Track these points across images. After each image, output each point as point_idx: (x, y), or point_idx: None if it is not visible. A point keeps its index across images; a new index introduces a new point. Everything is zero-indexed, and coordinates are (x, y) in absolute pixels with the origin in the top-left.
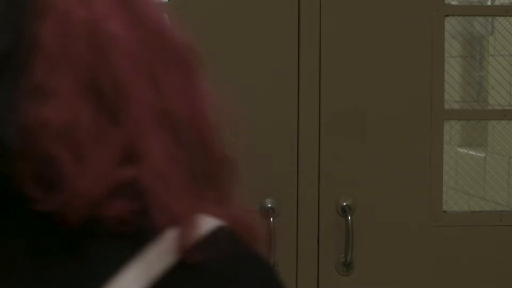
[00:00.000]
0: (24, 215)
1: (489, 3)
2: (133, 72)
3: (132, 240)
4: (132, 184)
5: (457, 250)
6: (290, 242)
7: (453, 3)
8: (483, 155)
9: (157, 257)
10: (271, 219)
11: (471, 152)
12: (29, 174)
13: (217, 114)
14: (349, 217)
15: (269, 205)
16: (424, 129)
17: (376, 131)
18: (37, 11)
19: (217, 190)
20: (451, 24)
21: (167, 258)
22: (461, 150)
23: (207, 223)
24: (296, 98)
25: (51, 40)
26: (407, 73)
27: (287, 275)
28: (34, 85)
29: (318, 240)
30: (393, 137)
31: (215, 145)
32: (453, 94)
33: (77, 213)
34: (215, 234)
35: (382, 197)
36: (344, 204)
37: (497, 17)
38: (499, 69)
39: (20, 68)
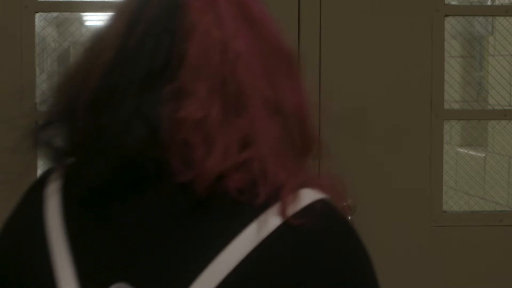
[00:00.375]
0: (168, 186)
1: (489, 3)
2: (252, 77)
3: (247, 206)
4: (248, 163)
5: (457, 250)
6: None
7: (453, 3)
8: (483, 155)
9: (267, 220)
10: None
11: (471, 152)
12: (173, 155)
13: (310, 105)
14: (349, 217)
15: None
16: (424, 129)
17: (376, 131)
18: (183, 33)
19: (309, 164)
20: (451, 24)
21: (275, 221)
22: (461, 150)
23: (308, 193)
24: None
25: (194, 54)
26: (407, 73)
27: None
28: (179, 88)
29: None
30: (393, 137)
31: (310, 129)
32: (453, 94)
33: (205, 184)
34: (314, 203)
35: (382, 197)
36: (344, 204)
37: (497, 17)
38: (499, 69)
39: (171, 77)
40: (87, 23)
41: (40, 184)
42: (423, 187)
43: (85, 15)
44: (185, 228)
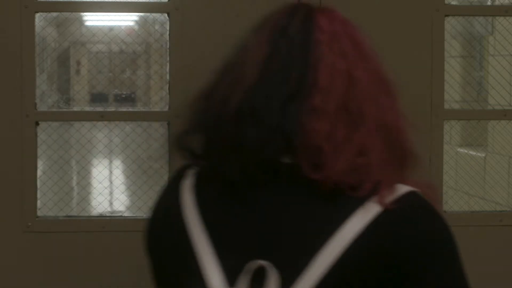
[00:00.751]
0: (297, 182)
1: (489, 3)
2: (367, 99)
3: (355, 198)
4: (360, 167)
5: None
6: None
7: (453, 3)
8: (483, 155)
9: (370, 206)
10: None
11: (471, 152)
12: (303, 159)
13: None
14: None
15: None
16: (424, 129)
17: None
18: (315, 63)
19: (407, 171)
20: (451, 24)
21: (376, 207)
22: (461, 150)
23: (403, 188)
24: None
25: (324, 80)
26: (407, 73)
27: None
28: (313, 107)
29: None
30: None
31: (406, 141)
32: (453, 94)
33: (333, 182)
34: (408, 194)
35: None
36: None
37: (497, 17)
38: (499, 69)
39: (304, 98)
40: (87, 23)
41: (178, 177)
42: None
43: (85, 15)
44: (311, 213)
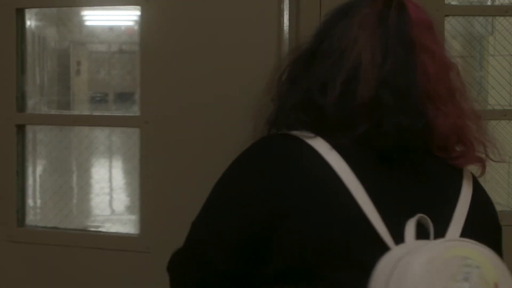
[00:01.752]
0: (429, 157)
1: (489, 3)
2: (460, 86)
3: (460, 170)
4: (464, 150)
5: None
6: None
7: (453, 3)
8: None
9: (467, 175)
10: None
11: None
12: (432, 142)
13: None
14: None
15: None
16: None
17: None
18: (416, 50)
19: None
20: (451, 24)
21: (470, 175)
22: None
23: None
24: None
25: (429, 66)
26: None
27: None
28: (429, 97)
29: None
30: None
31: (482, 126)
32: None
33: (455, 162)
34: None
35: None
36: None
37: (497, 17)
38: (499, 69)
39: (420, 92)
40: (87, 23)
41: (298, 145)
42: None
43: (85, 15)
44: (442, 177)
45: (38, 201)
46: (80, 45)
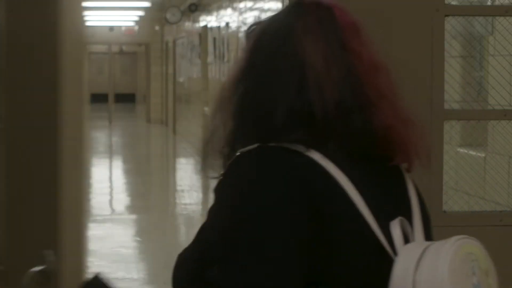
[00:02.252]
0: (380, 163)
1: (489, 3)
2: (379, 85)
3: (396, 166)
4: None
5: None
6: None
7: (453, 3)
8: (483, 155)
9: (405, 172)
10: None
11: (471, 152)
12: (378, 147)
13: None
14: None
15: None
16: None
17: None
18: (347, 53)
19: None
20: (451, 24)
21: (406, 173)
22: (461, 150)
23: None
24: None
25: (359, 69)
26: (407, 73)
27: None
28: (369, 103)
29: None
30: None
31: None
32: (453, 94)
33: (405, 163)
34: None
35: None
36: None
37: (497, 17)
38: (499, 69)
39: (362, 97)
40: (87, 23)
41: (306, 165)
42: (423, 187)
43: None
44: (395, 180)
45: None
46: None
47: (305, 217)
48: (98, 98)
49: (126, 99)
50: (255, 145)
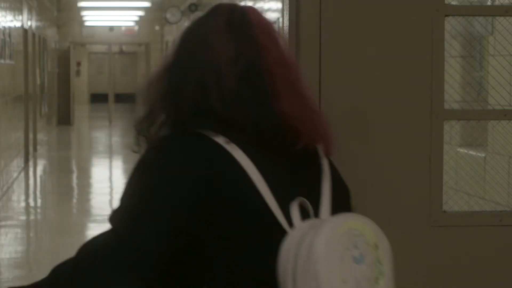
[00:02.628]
0: (287, 148)
1: (489, 3)
2: (289, 80)
3: (315, 152)
4: (317, 133)
5: (457, 250)
6: None
7: (453, 3)
8: (483, 155)
9: (322, 156)
10: None
11: (471, 152)
12: (289, 131)
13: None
14: None
15: None
16: (424, 129)
17: (376, 131)
18: (258, 49)
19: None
20: (451, 24)
21: (324, 156)
22: (461, 150)
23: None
24: None
25: (271, 65)
26: (407, 73)
27: None
28: (275, 93)
29: None
30: (393, 137)
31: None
32: (453, 94)
33: (307, 146)
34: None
35: (382, 197)
36: None
37: (497, 17)
38: (499, 69)
39: (266, 87)
40: (87, 23)
41: (212, 147)
42: (423, 187)
43: (85, 15)
44: (305, 164)
45: None
46: None
47: (197, 199)
48: (98, 98)
49: (126, 99)
50: (173, 131)
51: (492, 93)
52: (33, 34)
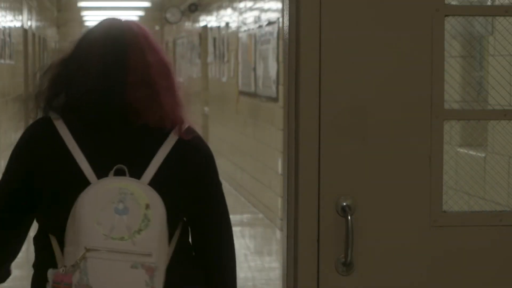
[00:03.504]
0: (128, 125)
1: (489, 3)
2: (157, 74)
3: (161, 131)
4: (164, 115)
5: (457, 250)
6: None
7: (453, 3)
8: (483, 155)
9: (172, 138)
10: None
11: (471, 152)
12: (129, 113)
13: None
14: (349, 217)
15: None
16: (424, 129)
17: (376, 131)
18: (128, 51)
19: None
20: (451, 24)
21: (175, 138)
22: (461, 150)
23: (188, 124)
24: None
25: (137, 63)
26: (407, 73)
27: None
28: (129, 83)
29: (318, 240)
30: (393, 137)
31: (181, 99)
32: (453, 94)
33: (147, 125)
34: (190, 128)
35: (382, 197)
36: (344, 204)
37: (497, 17)
38: (499, 69)
39: (123, 80)
40: (87, 23)
41: (45, 122)
42: (423, 187)
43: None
44: (142, 141)
45: None
46: None
47: (26, 157)
48: None
49: None
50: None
51: (492, 93)
52: (33, 34)
